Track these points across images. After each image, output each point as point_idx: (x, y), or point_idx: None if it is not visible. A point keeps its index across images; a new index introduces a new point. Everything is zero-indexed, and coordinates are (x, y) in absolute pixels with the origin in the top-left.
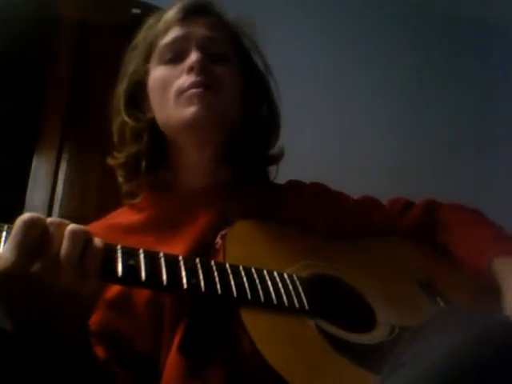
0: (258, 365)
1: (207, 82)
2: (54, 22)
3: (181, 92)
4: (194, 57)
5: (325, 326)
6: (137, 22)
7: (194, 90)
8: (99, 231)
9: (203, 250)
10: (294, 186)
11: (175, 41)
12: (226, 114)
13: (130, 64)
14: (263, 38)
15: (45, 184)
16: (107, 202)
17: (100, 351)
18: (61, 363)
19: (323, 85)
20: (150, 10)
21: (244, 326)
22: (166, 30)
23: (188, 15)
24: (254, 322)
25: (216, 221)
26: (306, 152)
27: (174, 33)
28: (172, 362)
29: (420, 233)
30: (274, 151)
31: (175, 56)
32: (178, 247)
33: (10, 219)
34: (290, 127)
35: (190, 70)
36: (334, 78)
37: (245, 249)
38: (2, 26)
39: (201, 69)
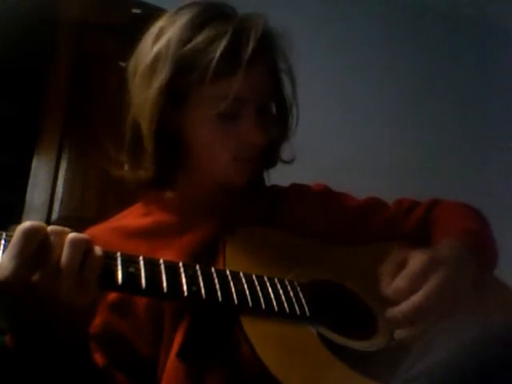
0: (258, 371)
1: (256, 156)
2: (54, 22)
3: (238, 159)
4: (257, 138)
5: (326, 332)
6: (137, 22)
7: (248, 163)
8: (102, 234)
9: (205, 255)
10: (297, 189)
11: (234, 98)
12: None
13: (162, 73)
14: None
15: (45, 184)
16: (107, 202)
17: (99, 357)
18: (59, 369)
19: (323, 85)
20: (150, 10)
21: (244, 333)
22: (220, 73)
23: (254, 59)
24: (254, 329)
25: (219, 227)
26: (306, 152)
27: (233, 86)
28: (171, 366)
29: (422, 235)
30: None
31: (230, 113)
32: (181, 252)
33: (10, 219)
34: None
35: (254, 145)
36: (333, 78)
37: (245, 257)
38: (1, 25)
39: (261, 146)
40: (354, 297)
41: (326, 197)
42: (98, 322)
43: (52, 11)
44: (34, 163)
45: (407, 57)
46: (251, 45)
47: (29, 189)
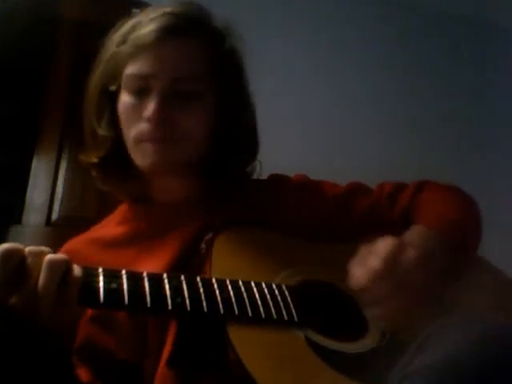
0: (245, 380)
1: (163, 135)
2: (54, 22)
3: (138, 140)
4: (151, 107)
5: (314, 336)
6: None
7: (148, 144)
8: (82, 247)
9: (188, 256)
10: (277, 182)
11: (141, 77)
12: (186, 159)
13: (105, 66)
14: (263, 36)
15: (45, 184)
16: (107, 202)
17: (83, 373)
18: None
19: (322, 84)
20: None
21: (231, 342)
22: (137, 53)
23: (163, 38)
24: (240, 338)
25: (199, 228)
26: (306, 149)
27: (142, 65)
28: (161, 375)
29: (407, 222)
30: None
31: (140, 89)
32: (162, 256)
33: (10, 219)
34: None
35: (148, 120)
36: (333, 78)
37: (232, 261)
38: (1, 25)
39: (158, 121)
40: (345, 297)
41: (307, 187)
42: (80, 336)
43: (52, 11)
44: (34, 163)
45: (407, 57)
46: (151, 25)
47: (29, 189)
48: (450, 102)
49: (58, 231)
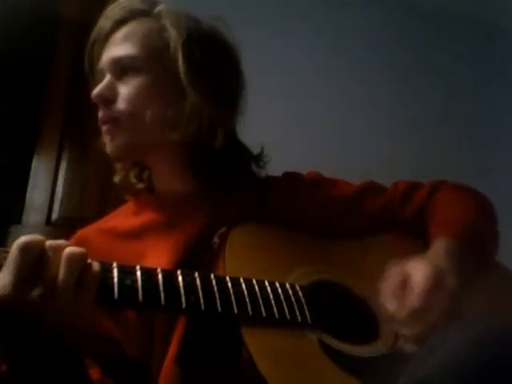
0: (257, 381)
1: (110, 117)
2: (54, 22)
3: (99, 125)
4: (93, 91)
5: (327, 339)
6: None
7: (103, 127)
8: (95, 236)
9: (196, 250)
10: (290, 179)
11: (101, 70)
12: (145, 137)
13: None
14: (262, 36)
15: (45, 184)
16: (107, 201)
17: (94, 373)
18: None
19: (322, 84)
20: None
21: (245, 344)
22: (99, 53)
23: (115, 29)
24: (254, 339)
25: (210, 221)
26: (307, 147)
27: (101, 60)
28: (167, 371)
29: (420, 222)
30: (255, 151)
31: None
32: (170, 249)
33: (10, 219)
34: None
35: (95, 101)
36: (332, 78)
37: (245, 256)
38: (1, 25)
39: (100, 99)
40: (354, 297)
41: (319, 184)
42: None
43: (52, 11)
44: (34, 163)
45: (407, 56)
46: (103, 22)
47: (29, 189)
48: (449, 102)
49: (58, 231)
